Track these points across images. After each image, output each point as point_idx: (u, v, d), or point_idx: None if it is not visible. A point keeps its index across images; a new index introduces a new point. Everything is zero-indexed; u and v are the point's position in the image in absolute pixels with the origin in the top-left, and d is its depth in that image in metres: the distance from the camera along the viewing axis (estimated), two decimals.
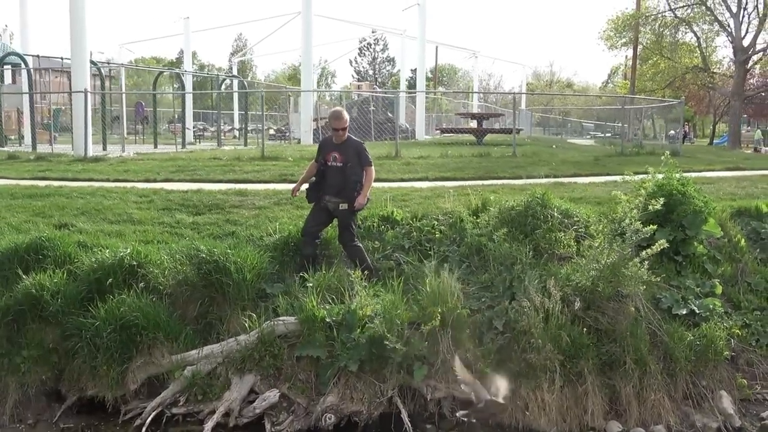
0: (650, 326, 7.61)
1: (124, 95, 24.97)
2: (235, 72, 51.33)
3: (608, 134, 43.85)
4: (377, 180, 12.03)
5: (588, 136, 44.11)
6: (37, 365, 7.10)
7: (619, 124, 42.80)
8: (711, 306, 7.97)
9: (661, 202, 7.80)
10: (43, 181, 12.16)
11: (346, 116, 8.10)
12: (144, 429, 6.78)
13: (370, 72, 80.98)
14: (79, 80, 16.35)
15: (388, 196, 10.46)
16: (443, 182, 12.37)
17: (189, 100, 32.12)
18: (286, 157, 15.34)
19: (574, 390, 7.13)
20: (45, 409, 7.14)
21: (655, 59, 39.77)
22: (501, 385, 7.02)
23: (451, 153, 16.58)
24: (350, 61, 79.30)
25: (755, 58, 35.20)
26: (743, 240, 9.15)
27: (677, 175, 8.93)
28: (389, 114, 34.23)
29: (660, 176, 8.94)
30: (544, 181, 12.18)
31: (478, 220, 8.80)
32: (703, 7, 34.83)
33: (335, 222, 8.23)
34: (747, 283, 8.74)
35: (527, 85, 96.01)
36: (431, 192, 10.89)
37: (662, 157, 8.56)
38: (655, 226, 7.82)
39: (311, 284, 7.67)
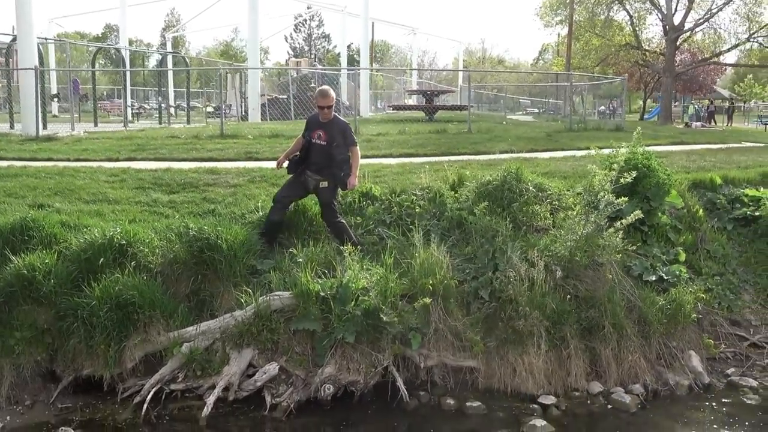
0: (624, 292, 8.05)
1: (70, 72, 24.06)
2: (169, 48, 50.21)
3: (542, 110, 44.80)
4: None
5: (522, 112, 44.93)
6: (31, 346, 7.07)
7: (552, 100, 44.06)
8: (678, 272, 8.46)
9: (633, 176, 8.24)
10: (1, 162, 11.88)
11: (333, 94, 8.24)
12: (145, 406, 6.85)
13: (306, 48, 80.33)
14: (26, 57, 15.88)
15: (360, 173, 10.63)
16: (409, 158, 12.61)
17: (128, 77, 31.37)
18: (245, 135, 15.31)
19: (559, 354, 7.54)
20: (41, 390, 7.13)
21: (587, 37, 40.71)
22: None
23: (409, 130, 16.83)
24: (285, 38, 78.64)
25: (685, 36, 36.39)
26: (701, 210, 9.69)
27: (641, 150, 9.36)
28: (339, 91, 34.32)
29: (623, 150, 9.39)
30: (506, 156, 12.55)
31: (456, 195, 9.07)
32: None
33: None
34: (706, 251, 9.30)
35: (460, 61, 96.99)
36: (401, 168, 11.12)
37: (634, 133, 8.98)
38: (626, 198, 8.26)
39: (301, 259, 7.86)
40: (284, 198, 8.30)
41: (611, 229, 8.03)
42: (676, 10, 35.44)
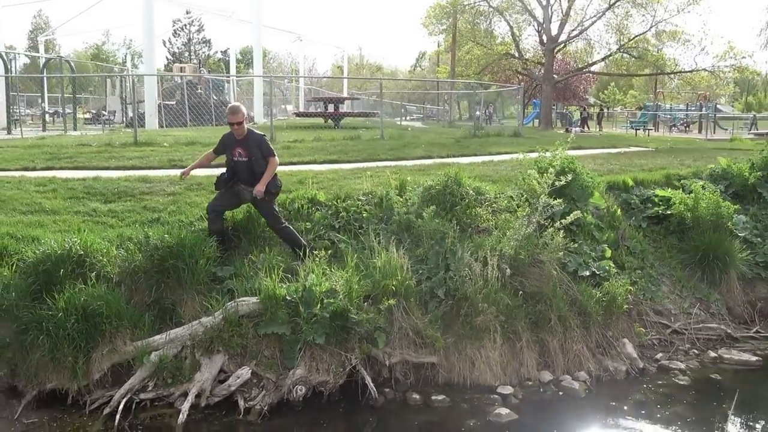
0: (563, 287, 8.66)
1: None
2: (42, 51, 48.10)
3: (424, 116, 46.07)
4: (281, 164, 12.43)
5: (409, 118, 45.94)
6: None
7: (429, 106, 45.36)
8: (607, 267, 9.18)
9: (569, 178, 8.89)
10: None
11: (243, 111, 8.35)
12: (117, 417, 6.81)
13: (186, 53, 78.61)
14: None
15: (294, 180, 10.84)
16: (334, 165, 12.86)
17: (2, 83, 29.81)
18: (160, 143, 15.07)
19: (512, 346, 8.04)
20: (3, 407, 6.93)
21: (469, 46, 42.11)
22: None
23: (324, 137, 17.04)
24: (164, 42, 76.55)
25: (560, 46, 38.34)
26: (619, 210, 10.49)
27: (565, 154, 10.04)
28: (222, 98, 33.89)
29: (548, 155, 10.07)
30: (429, 162, 13.05)
31: (403, 199, 9.42)
32: None
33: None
34: (626, 247, 10.09)
35: (339, 68, 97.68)
36: (334, 174, 11.37)
37: (569, 138, 9.63)
38: (560, 200, 8.91)
39: (260, 265, 8.01)
40: (218, 207, 8.37)
41: (551, 229, 8.62)
42: (551, 22, 37.25)
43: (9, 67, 26.95)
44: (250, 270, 8.01)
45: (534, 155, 10.43)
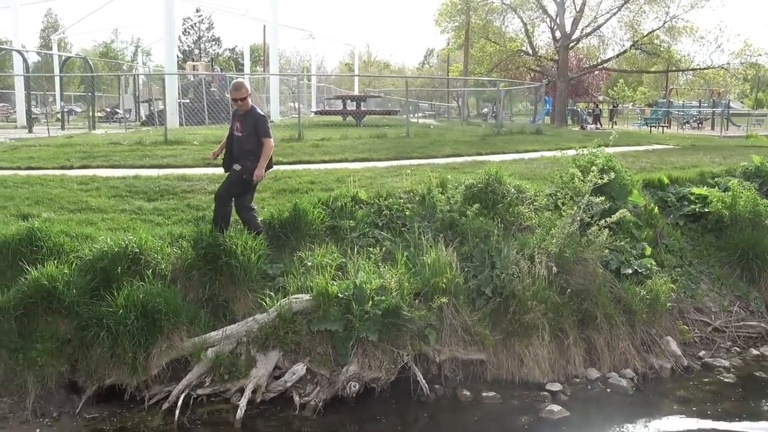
0: (608, 285, 8.72)
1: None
2: (56, 50, 48.29)
3: (432, 113, 46.11)
4: (306, 162, 12.52)
5: (420, 115, 46.00)
6: (53, 358, 6.97)
7: (437, 103, 45.35)
8: (648, 265, 9.23)
9: (612, 177, 8.95)
10: None
11: (246, 87, 8.36)
12: (177, 412, 6.91)
13: (196, 51, 78.75)
14: None
15: (332, 178, 10.95)
16: (365, 163, 12.96)
17: (20, 82, 29.93)
18: (190, 141, 15.18)
19: (559, 344, 8.12)
20: (65, 402, 7.04)
21: (482, 43, 42.12)
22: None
23: (350, 135, 17.14)
24: None
25: (572, 42, 38.33)
26: (656, 208, 10.55)
27: (605, 151, 10.12)
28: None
29: (585, 151, 10.17)
30: (461, 160, 13.13)
31: (446, 197, 9.49)
32: None
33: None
34: (665, 245, 10.14)
35: (347, 66, 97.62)
36: (370, 172, 11.46)
37: (611, 137, 9.68)
38: (603, 198, 8.98)
39: (310, 263, 8.11)
40: (222, 194, 8.41)
41: (595, 227, 8.70)
42: (565, 18, 37.26)
43: (29, 66, 26.96)
44: (299, 267, 8.10)
45: (572, 152, 10.51)
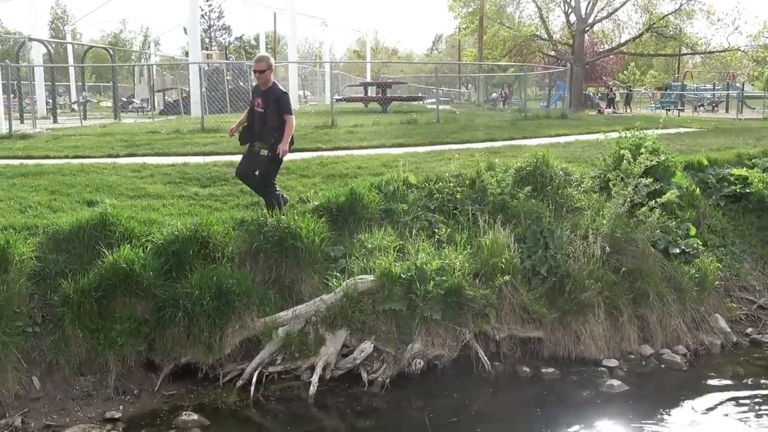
0: (657, 264, 8.94)
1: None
2: (70, 38, 48.48)
3: (447, 98, 46.15)
4: (345, 147, 12.74)
5: (431, 101, 46.10)
6: (131, 337, 7.21)
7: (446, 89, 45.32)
8: (695, 245, 9.44)
9: (661, 158, 9.15)
10: (3, 161, 11.64)
11: (269, 61, 8.41)
12: (252, 389, 7.18)
13: (206, 40, 78.75)
14: None
15: (377, 163, 11.17)
16: (404, 148, 13.18)
17: (40, 72, 30.10)
18: (226, 129, 15.34)
19: (614, 322, 8.36)
20: (144, 380, 7.33)
21: (495, 28, 42.14)
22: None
23: (382, 121, 17.37)
24: (184, 30, 76.50)
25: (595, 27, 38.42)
26: (697, 189, 10.73)
27: (650, 134, 10.31)
28: (248, 84, 34.00)
29: (624, 134, 10.40)
30: (499, 144, 13.35)
31: (494, 181, 9.69)
32: None
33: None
34: (707, 225, 10.33)
35: (356, 53, 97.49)
36: (412, 157, 11.65)
37: (661, 119, 9.87)
38: (651, 179, 9.19)
39: (370, 245, 8.35)
40: (243, 171, 8.64)
41: (645, 208, 8.92)
42: (580, 2, 37.28)
43: (53, 54, 27.11)
44: (360, 249, 8.33)
45: (613, 135, 10.72)
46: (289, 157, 10.49)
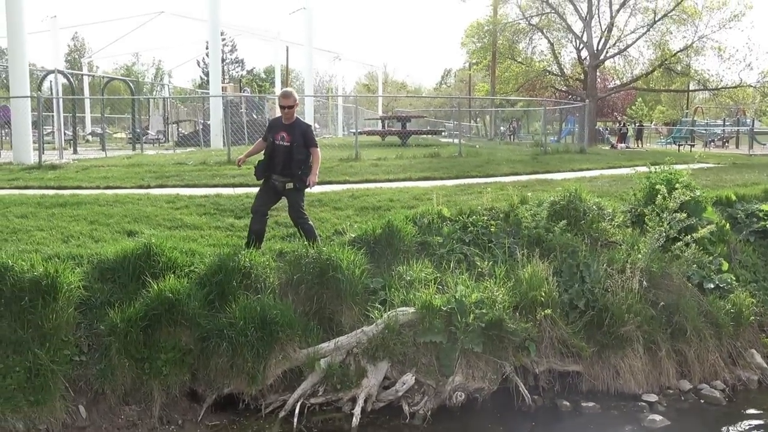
0: (693, 298, 8.97)
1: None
2: (86, 70, 49.13)
3: (457, 132, 46.35)
4: (373, 180, 12.85)
5: (445, 134, 46.41)
6: (176, 367, 7.26)
7: (464, 124, 45.53)
8: (729, 280, 9.47)
9: (695, 194, 9.22)
10: (38, 190, 11.80)
11: (295, 96, 8.51)
12: (295, 420, 7.20)
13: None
14: (19, 85, 15.60)
15: (408, 195, 11.27)
16: (432, 182, 13.30)
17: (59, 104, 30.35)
18: (253, 162, 15.49)
19: (653, 356, 8.36)
20: (188, 410, 7.35)
21: (507, 63, 42.55)
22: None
23: (405, 155, 17.52)
24: (198, 62, 77.60)
25: (606, 63, 38.78)
26: (728, 224, 10.78)
27: (681, 170, 10.40)
28: (261, 117, 34.34)
29: (654, 169, 10.49)
30: (525, 178, 13.44)
31: (528, 214, 9.77)
32: (555, 15, 37.82)
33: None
34: (738, 261, 10.36)
35: (365, 86, 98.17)
36: (442, 190, 11.76)
37: (696, 156, 9.95)
38: (684, 214, 9.25)
39: (407, 277, 8.41)
40: (261, 207, 8.57)
41: (680, 242, 8.98)
42: (594, 38, 37.69)
43: (75, 86, 27.42)
44: (399, 282, 8.39)
45: (642, 170, 10.81)
46: (319, 189, 10.68)
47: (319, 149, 8.54)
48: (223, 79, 73.49)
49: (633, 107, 69.76)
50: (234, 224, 9.80)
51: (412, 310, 7.92)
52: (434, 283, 8.20)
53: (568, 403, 7.93)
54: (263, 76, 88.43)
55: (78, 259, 7.88)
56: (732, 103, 39.62)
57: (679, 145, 38.45)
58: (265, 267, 8.08)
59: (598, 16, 38.03)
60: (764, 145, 41.20)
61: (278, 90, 48.76)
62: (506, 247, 9.11)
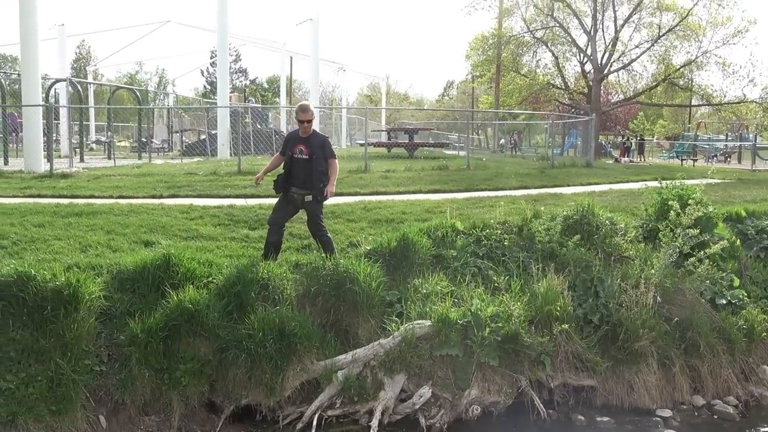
0: (705, 314, 9.02)
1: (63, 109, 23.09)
2: (91, 78, 49.25)
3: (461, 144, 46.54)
4: (383, 193, 12.92)
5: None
6: (195, 378, 7.30)
7: (466, 136, 45.74)
8: (741, 296, 9.53)
9: (708, 210, 9.29)
10: (52, 199, 11.87)
11: (312, 109, 8.61)
12: (313, 431, 7.24)
13: None
14: (32, 93, 15.70)
15: (420, 208, 11.33)
16: (442, 194, 13.38)
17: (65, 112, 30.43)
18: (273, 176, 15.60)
19: (666, 371, 8.41)
20: (206, 421, 7.39)
21: (511, 76, 42.75)
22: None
23: (414, 167, 17.61)
24: (201, 72, 77.88)
25: (610, 77, 39.00)
26: (738, 240, 10.84)
27: (692, 186, 10.48)
28: (266, 127, 34.47)
29: (666, 184, 10.57)
30: (535, 192, 13.52)
31: (542, 229, 9.83)
32: (560, 29, 38.06)
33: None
34: (749, 277, 10.42)
35: (368, 97, 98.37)
36: (452, 204, 11.81)
37: (709, 171, 10.03)
38: (697, 230, 9.31)
39: (423, 290, 8.46)
40: (278, 219, 8.66)
41: (693, 258, 9.04)
42: (600, 53, 37.90)
43: (82, 95, 27.52)
44: (414, 294, 8.44)
45: (652, 185, 10.89)
46: (331, 201, 10.68)
47: (337, 160, 8.62)
48: (232, 88, 74.03)
49: (635, 121, 70.10)
50: (249, 235, 9.86)
51: (428, 323, 7.97)
52: (450, 297, 8.25)
53: (582, 418, 7.97)
54: (266, 86, 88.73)
55: (97, 268, 7.94)
56: (735, 118, 39.69)
57: (682, 160, 38.60)
58: (282, 278, 8.14)
59: (602, 31, 38.35)
60: (766, 160, 41.31)
61: (282, 100, 49.08)
62: (520, 261, 9.16)
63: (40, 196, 12.46)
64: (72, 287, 7.08)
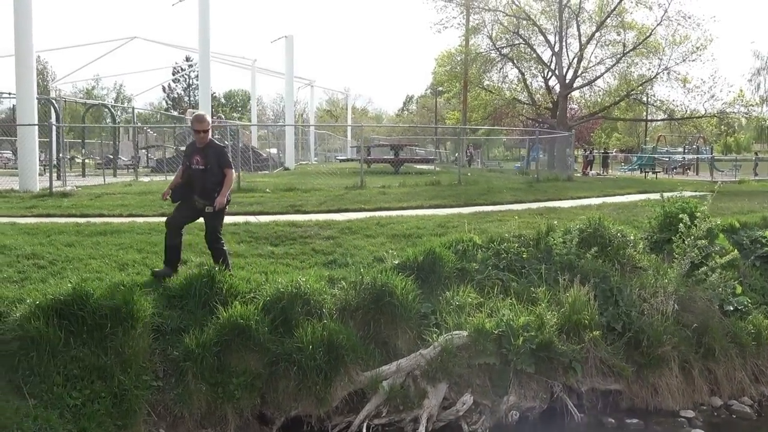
0: (717, 320, 9.54)
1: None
2: (53, 95, 48.59)
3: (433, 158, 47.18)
4: (388, 208, 13.25)
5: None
6: (247, 391, 7.52)
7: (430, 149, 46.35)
8: (746, 302, 10.07)
9: (716, 222, 9.82)
10: (61, 218, 11.93)
11: (208, 119, 8.61)
12: None
13: (186, 99, 79.50)
14: (27, 112, 15.68)
15: (433, 223, 11.69)
16: (445, 210, 13.75)
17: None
18: (262, 189, 15.84)
19: (686, 375, 8.88)
20: None
21: (477, 91, 43.48)
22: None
23: (408, 183, 17.97)
24: (163, 88, 77.57)
25: (574, 93, 40.00)
26: (735, 250, 11.41)
27: (692, 199, 11.04)
28: (236, 143, 34.49)
29: (667, 195, 11.11)
30: (534, 206, 13.99)
31: (559, 242, 10.25)
32: (526, 46, 38.93)
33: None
34: (747, 284, 10.99)
35: (327, 112, 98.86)
36: (461, 218, 12.20)
37: (716, 186, 10.56)
38: (706, 241, 9.84)
39: (458, 302, 8.81)
40: (177, 222, 8.52)
41: (705, 267, 9.56)
42: (566, 69, 38.84)
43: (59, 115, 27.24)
44: (446, 306, 8.78)
45: (640, 197, 11.42)
46: (339, 217, 11.02)
47: (233, 170, 8.60)
48: (190, 104, 73.79)
49: (593, 135, 71.73)
50: (274, 252, 10.08)
51: (465, 333, 8.31)
52: (482, 308, 8.61)
53: (612, 420, 8.39)
54: (223, 101, 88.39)
55: (142, 287, 8.10)
56: (696, 131, 41.02)
57: (645, 172, 39.72)
58: (321, 293, 8.39)
59: (566, 48, 39.31)
60: (722, 171, 42.78)
61: (254, 117, 49.14)
62: (541, 273, 9.56)
63: (49, 215, 12.47)
64: (129, 305, 7.27)
